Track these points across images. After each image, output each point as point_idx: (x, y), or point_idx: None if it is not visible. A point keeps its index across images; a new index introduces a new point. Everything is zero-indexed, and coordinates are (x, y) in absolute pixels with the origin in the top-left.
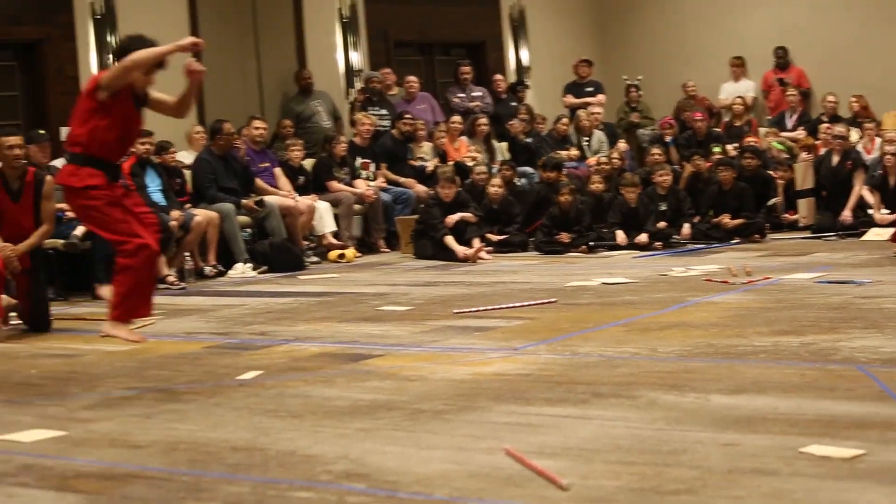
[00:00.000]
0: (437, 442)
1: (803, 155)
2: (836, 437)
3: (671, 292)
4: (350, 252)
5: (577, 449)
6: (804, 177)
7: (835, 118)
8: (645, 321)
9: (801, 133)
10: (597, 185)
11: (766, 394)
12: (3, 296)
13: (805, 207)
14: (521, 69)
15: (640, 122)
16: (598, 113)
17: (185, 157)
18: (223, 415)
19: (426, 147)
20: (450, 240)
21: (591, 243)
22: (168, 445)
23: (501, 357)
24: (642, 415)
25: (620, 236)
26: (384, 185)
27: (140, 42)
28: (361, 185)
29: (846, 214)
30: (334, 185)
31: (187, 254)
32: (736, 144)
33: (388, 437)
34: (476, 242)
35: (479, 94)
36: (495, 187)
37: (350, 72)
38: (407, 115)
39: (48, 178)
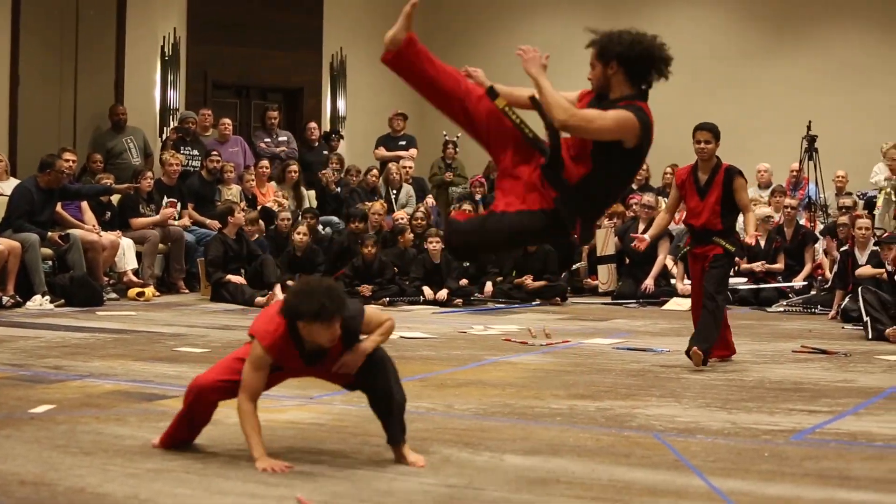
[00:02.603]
0: (229, 487)
1: (605, 221)
2: (630, 503)
3: (470, 350)
4: (150, 290)
5: (371, 502)
6: (605, 242)
7: (645, 187)
8: (442, 377)
9: None
10: (409, 236)
11: (561, 456)
12: None
13: (605, 273)
14: (336, 118)
15: (453, 181)
16: (410, 167)
17: None
18: (13, 447)
19: (234, 189)
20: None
21: (388, 298)
22: None
23: (296, 405)
24: (435, 471)
25: (427, 292)
26: (188, 224)
27: None
28: (165, 214)
29: (648, 282)
30: (137, 221)
31: None
32: None
33: (178, 479)
34: (277, 290)
35: (285, 138)
36: (301, 235)
37: (166, 110)
38: (214, 153)
39: None
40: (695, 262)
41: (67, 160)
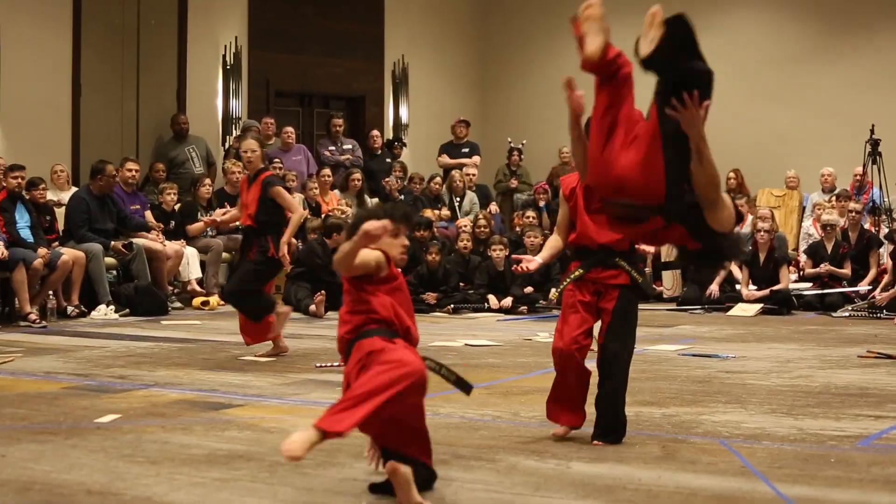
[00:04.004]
0: (295, 496)
1: None
2: None
3: (535, 357)
4: (214, 299)
5: None
6: (669, 248)
7: None
8: (507, 385)
9: None
10: (465, 243)
11: (627, 464)
12: None
13: (670, 279)
14: (399, 126)
15: (517, 188)
16: (473, 174)
17: (54, 195)
18: (79, 457)
19: (298, 197)
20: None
21: (453, 305)
22: (22, 485)
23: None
24: (502, 479)
25: (493, 300)
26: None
27: None
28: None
29: (713, 288)
30: (192, 227)
31: (50, 293)
32: None
33: (245, 488)
34: (317, 296)
35: (350, 146)
36: (432, 255)
37: (228, 119)
38: (276, 160)
39: None
40: (581, 291)
41: (130, 170)
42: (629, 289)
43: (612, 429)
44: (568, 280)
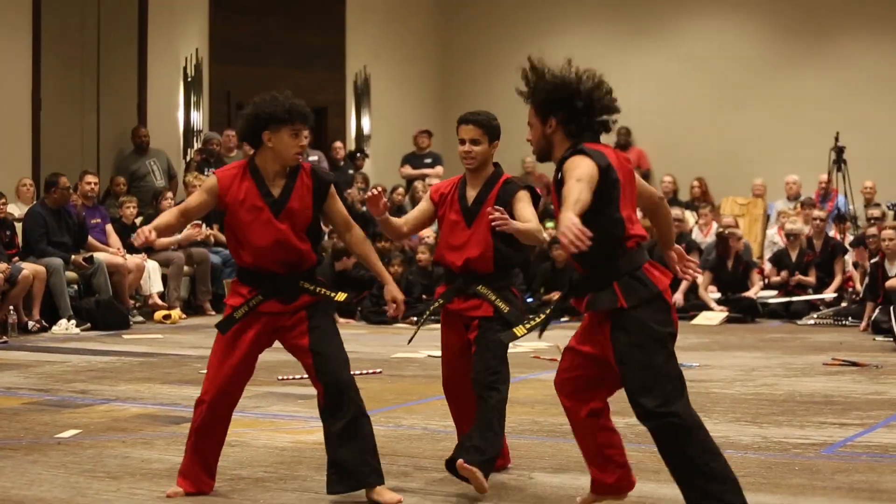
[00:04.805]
0: None
1: None
2: None
3: None
4: (176, 313)
5: None
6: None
7: (672, 201)
8: None
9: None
10: (426, 255)
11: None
12: None
13: None
14: (361, 137)
15: None
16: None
17: (16, 209)
18: (39, 473)
19: None
20: None
21: (416, 317)
22: None
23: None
24: (465, 489)
25: None
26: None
27: None
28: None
29: (677, 297)
30: (161, 241)
31: (11, 307)
32: None
33: (206, 501)
34: None
35: (315, 158)
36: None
37: (189, 131)
38: None
39: None
40: (449, 327)
41: (90, 183)
42: (491, 320)
43: (477, 449)
44: (428, 313)
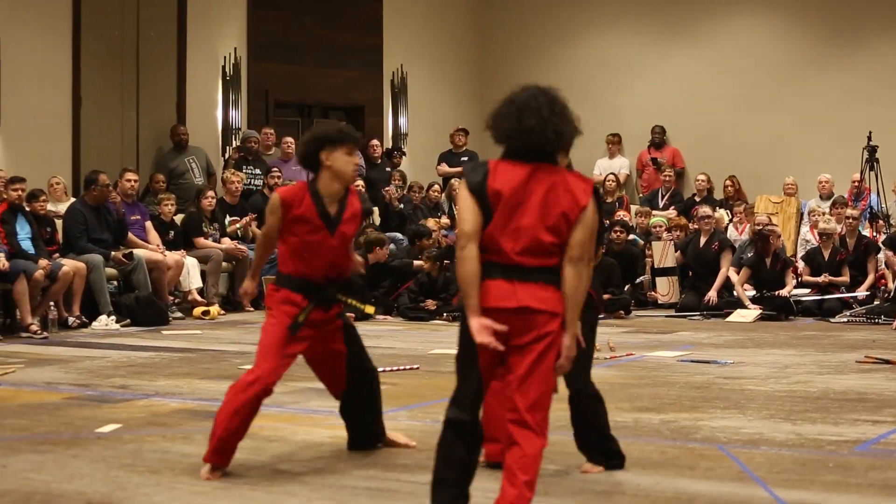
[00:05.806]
0: None
1: (664, 234)
2: None
3: None
4: (214, 309)
5: None
6: (663, 255)
7: (707, 199)
8: None
9: (671, 212)
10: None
11: (626, 469)
12: None
13: (666, 285)
14: (398, 135)
15: None
16: None
17: (53, 206)
18: (80, 467)
19: None
20: None
21: (454, 313)
22: (23, 496)
23: None
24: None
25: None
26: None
27: None
28: (228, 243)
29: (712, 294)
30: (201, 241)
31: (52, 303)
32: (606, 221)
33: (245, 496)
34: None
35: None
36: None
37: (228, 129)
38: (274, 169)
39: None
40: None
41: (129, 180)
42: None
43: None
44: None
